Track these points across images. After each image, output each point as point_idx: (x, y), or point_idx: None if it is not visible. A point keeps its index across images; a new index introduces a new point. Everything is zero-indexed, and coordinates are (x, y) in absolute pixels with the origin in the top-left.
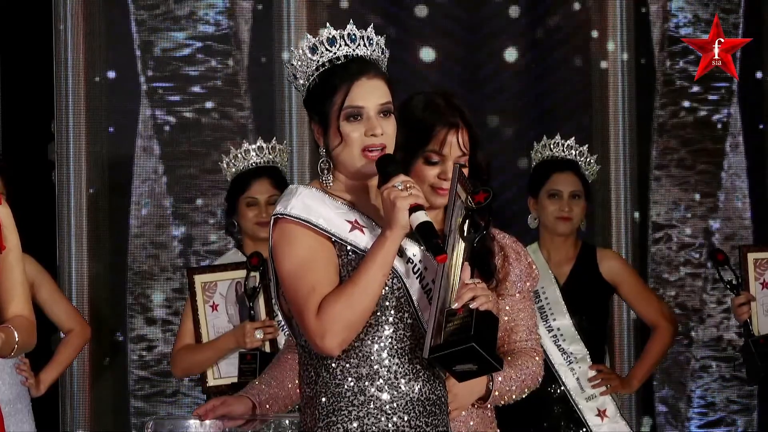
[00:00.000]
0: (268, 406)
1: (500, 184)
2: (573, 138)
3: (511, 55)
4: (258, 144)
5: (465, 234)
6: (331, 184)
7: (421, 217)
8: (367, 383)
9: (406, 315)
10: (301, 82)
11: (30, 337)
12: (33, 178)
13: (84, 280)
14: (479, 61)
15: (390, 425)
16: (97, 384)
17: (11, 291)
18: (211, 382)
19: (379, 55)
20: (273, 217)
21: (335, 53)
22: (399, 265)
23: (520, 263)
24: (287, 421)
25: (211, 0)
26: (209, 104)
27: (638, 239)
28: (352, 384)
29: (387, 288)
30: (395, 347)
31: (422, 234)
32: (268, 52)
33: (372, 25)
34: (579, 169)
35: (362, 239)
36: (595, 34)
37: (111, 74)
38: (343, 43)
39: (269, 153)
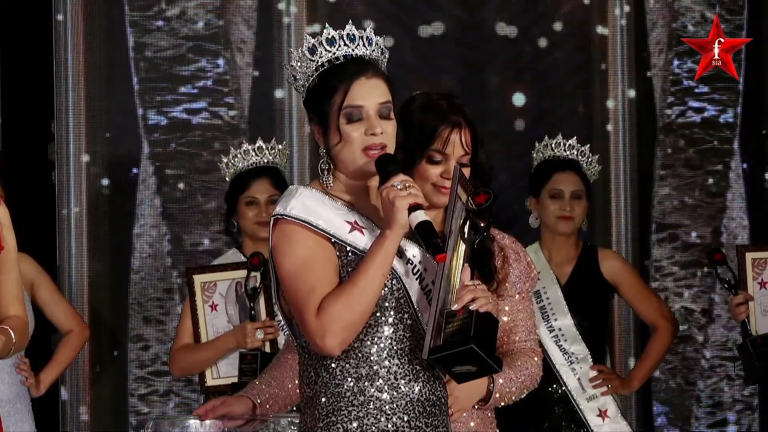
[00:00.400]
0: (268, 406)
1: (500, 185)
2: (575, 138)
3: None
4: (258, 144)
5: (465, 236)
6: (331, 184)
7: (420, 216)
8: (366, 384)
9: (406, 316)
10: (301, 82)
11: (24, 336)
12: (33, 178)
13: (84, 281)
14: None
15: (390, 426)
16: (97, 384)
17: (8, 291)
18: (210, 382)
19: (379, 55)
20: (273, 218)
21: (334, 53)
22: (399, 265)
23: (520, 264)
24: (287, 421)
25: (210, 0)
26: (212, 105)
27: (639, 239)
28: (351, 384)
29: (386, 289)
30: (395, 348)
31: (421, 233)
32: (268, 52)
33: (372, 25)
34: (580, 169)
35: (362, 240)
36: (599, 29)
37: (111, 74)
38: (342, 43)
39: (269, 153)
